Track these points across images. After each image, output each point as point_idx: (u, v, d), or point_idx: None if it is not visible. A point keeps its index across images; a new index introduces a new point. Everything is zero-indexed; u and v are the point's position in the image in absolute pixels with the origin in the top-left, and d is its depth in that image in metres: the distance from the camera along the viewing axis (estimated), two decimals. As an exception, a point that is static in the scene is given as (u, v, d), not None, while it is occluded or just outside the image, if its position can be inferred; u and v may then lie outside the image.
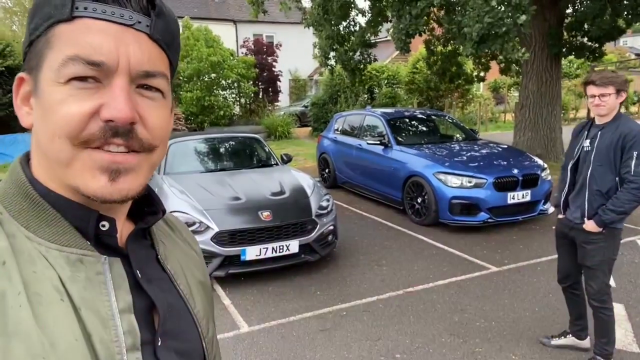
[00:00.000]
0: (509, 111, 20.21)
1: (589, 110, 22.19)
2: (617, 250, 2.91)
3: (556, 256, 3.28)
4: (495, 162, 6.35)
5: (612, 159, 2.74)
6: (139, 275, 0.60)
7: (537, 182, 6.02)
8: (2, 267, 0.50)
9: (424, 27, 8.90)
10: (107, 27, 0.53)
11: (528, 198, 5.90)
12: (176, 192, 4.68)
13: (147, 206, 0.68)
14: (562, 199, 3.09)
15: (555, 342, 3.28)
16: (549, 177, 6.27)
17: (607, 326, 2.93)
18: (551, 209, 6.04)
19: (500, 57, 7.75)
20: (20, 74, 0.58)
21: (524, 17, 6.52)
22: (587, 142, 2.89)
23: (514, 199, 5.83)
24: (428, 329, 3.56)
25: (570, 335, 3.25)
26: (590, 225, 2.85)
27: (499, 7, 6.42)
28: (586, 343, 3.20)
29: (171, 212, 4.26)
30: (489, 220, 5.75)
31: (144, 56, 0.55)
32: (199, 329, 0.67)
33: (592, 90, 2.74)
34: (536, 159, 6.66)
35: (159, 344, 0.59)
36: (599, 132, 2.83)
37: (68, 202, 0.56)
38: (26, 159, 0.61)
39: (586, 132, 2.93)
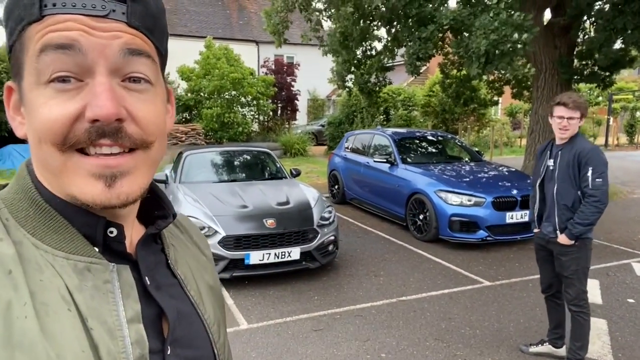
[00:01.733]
0: (525, 136, 20.26)
1: (606, 138, 21.57)
2: (589, 259, 3.13)
3: None
4: (495, 183, 6.56)
5: (572, 175, 3.00)
6: (148, 282, 0.59)
7: (536, 203, 6.20)
8: (7, 277, 0.48)
9: (435, 51, 9.23)
10: (80, 20, 0.50)
11: (527, 218, 6.07)
12: (190, 199, 5.03)
13: (157, 210, 0.66)
14: (536, 214, 3.33)
15: (533, 349, 3.48)
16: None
17: (583, 330, 3.13)
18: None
19: (508, 75, 8.02)
20: (8, 83, 0.56)
21: (526, 36, 6.84)
22: (550, 162, 3.15)
23: (512, 218, 6.03)
24: (415, 334, 3.79)
25: (547, 343, 3.44)
26: (562, 239, 3.08)
27: (503, 27, 6.76)
28: (562, 351, 3.39)
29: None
30: (488, 238, 5.95)
31: (122, 47, 0.52)
32: (209, 334, 0.66)
33: (561, 111, 2.97)
34: (538, 181, 6.84)
35: (169, 352, 0.57)
36: (559, 152, 3.09)
37: (74, 208, 0.54)
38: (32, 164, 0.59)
39: (548, 152, 3.19)
